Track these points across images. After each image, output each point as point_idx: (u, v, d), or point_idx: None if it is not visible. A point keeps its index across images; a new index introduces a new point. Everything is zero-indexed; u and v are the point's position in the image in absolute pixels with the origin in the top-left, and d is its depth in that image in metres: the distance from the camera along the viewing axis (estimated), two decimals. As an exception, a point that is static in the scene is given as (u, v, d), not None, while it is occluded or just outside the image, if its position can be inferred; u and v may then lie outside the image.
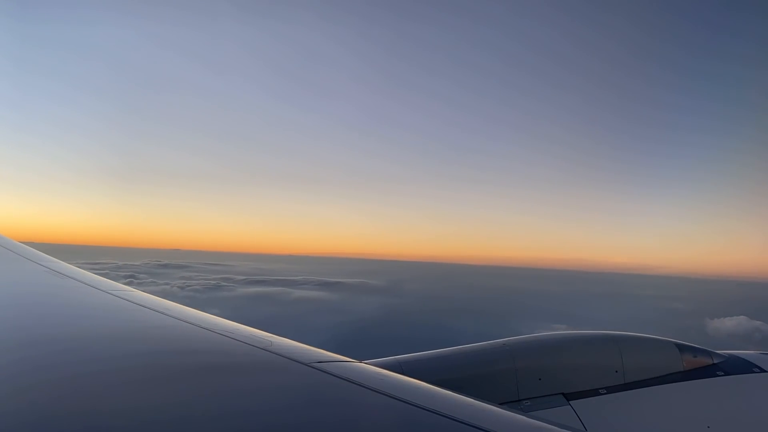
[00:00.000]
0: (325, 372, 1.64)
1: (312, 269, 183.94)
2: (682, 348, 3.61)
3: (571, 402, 3.19)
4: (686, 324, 73.44)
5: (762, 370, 3.55)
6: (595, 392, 3.27)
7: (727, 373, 3.50)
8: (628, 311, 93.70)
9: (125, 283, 3.71)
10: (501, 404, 1.69)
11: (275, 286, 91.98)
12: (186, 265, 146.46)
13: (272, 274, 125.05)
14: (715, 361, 3.60)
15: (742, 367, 3.58)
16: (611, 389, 3.31)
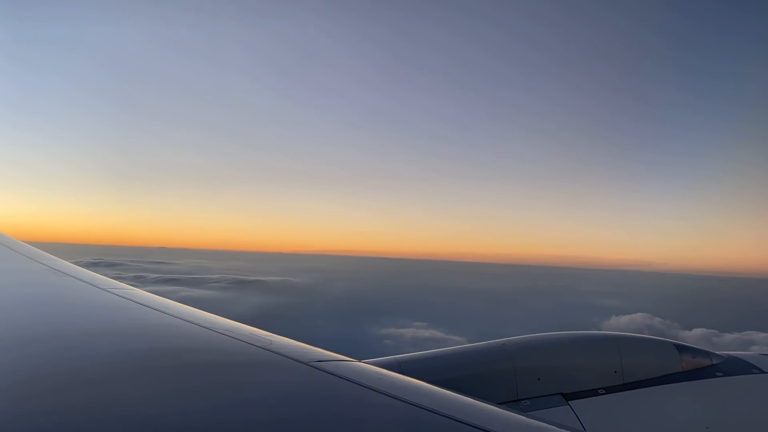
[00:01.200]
0: (324, 371, 1.64)
1: (252, 266, 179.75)
2: (681, 349, 3.62)
3: (570, 402, 3.19)
4: (590, 321, 72.57)
5: (761, 371, 3.56)
6: (594, 392, 3.28)
7: (725, 374, 3.50)
8: (544, 306, 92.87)
9: None
10: (500, 404, 1.72)
11: (175, 285, 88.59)
12: (119, 263, 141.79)
13: (198, 273, 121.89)
14: (714, 362, 3.60)
15: (741, 368, 3.59)
16: (610, 389, 3.32)
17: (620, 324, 70.36)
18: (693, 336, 61.48)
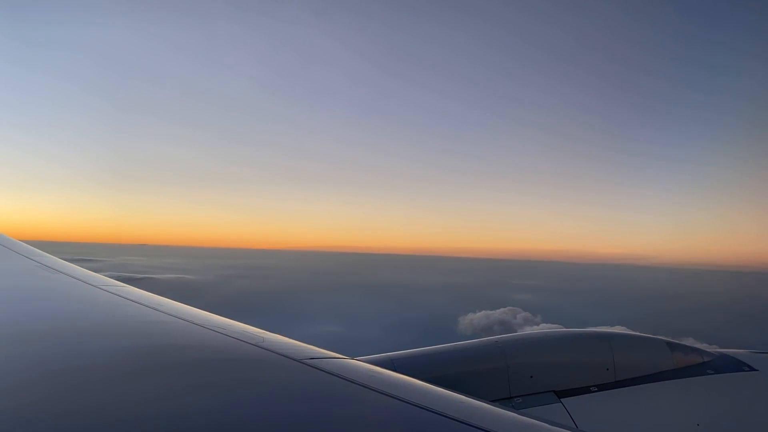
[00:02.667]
0: (317, 368, 1.65)
1: (177, 263, 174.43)
2: (672, 346, 3.64)
3: (562, 399, 3.21)
4: (450, 316, 71.66)
5: (751, 369, 3.57)
6: (586, 390, 3.29)
7: (717, 372, 3.52)
8: (431, 299, 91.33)
9: None
10: (492, 401, 1.73)
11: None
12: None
13: (107, 270, 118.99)
14: (705, 360, 3.63)
15: (732, 365, 3.60)
16: (602, 387, 3.32)
17: (475, 319, 69.30)
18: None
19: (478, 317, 69.60)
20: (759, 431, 3.32)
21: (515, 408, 3.02)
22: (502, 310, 72.74)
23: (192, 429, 1.21)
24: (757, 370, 3.56)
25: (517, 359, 3.31)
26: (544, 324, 64.12)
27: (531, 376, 3.26)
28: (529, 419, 1.45)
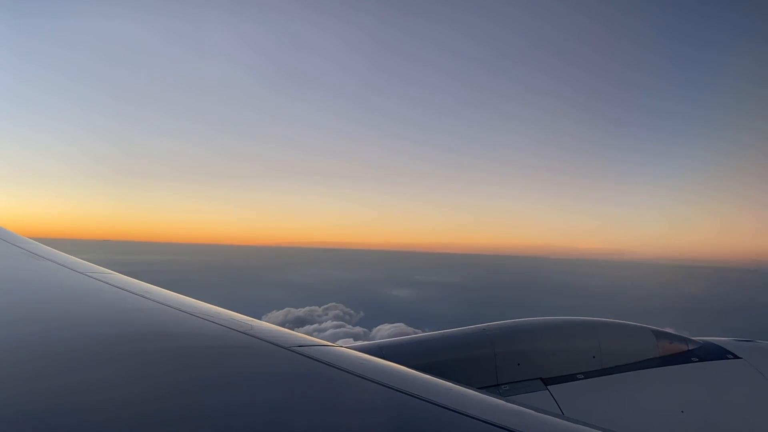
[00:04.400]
0: (305, 356, 1.66)
1: (115, 258, 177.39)
2: (658, 334, 3.72)
3: (549, 387, 3.25)
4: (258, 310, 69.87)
5: (735, 357, 3.64)
6: (572, 377, 3.34)
7: (701, 360, 3.59)
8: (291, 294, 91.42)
9: None
10: (480, 389, 1.70)
11: None
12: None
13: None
14: (690, 348, 3.70)
15: (717, 353, 3.68)
16: (588, 374, 3.38)
17: (272, 317, 68.19)
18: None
19: (279, 315, 69.49)
20: (742, 418, 3.36)
21: (502, 395, 3.05)
22: (310, 307, 72.28)
23: (181, 416, 1.20)
24: (740, 358, 3.60)
25: (505, 347, 3.35)
26: (352, 326, 62.92)
27: (518, 364, 3.30)
28: (516, 406, 1.45)
